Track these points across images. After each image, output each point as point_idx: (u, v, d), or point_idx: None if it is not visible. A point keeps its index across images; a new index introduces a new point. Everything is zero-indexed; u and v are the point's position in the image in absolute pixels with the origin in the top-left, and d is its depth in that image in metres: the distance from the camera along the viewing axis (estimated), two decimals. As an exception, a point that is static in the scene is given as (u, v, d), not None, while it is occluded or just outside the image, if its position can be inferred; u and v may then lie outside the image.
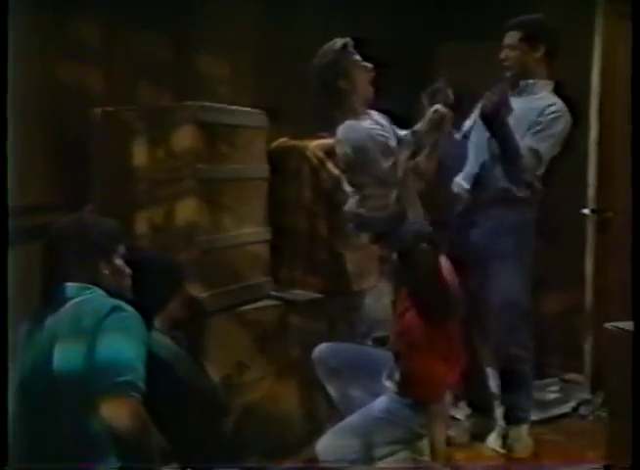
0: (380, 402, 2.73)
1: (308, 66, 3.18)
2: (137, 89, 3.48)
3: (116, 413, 1.82)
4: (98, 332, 1.92)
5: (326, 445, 2.71)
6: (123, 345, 1.92)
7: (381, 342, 3.27)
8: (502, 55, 3.26)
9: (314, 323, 3.41)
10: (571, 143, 3.34)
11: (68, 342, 1.94)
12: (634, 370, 2.22)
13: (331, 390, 2.96)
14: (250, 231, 3.30)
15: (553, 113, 3.16)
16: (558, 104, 3.19)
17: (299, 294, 3.46)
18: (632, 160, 2.46)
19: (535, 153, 3.13)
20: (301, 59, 3.29)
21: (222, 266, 3.14)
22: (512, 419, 3.37)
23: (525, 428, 3.36)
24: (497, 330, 3.26)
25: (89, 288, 2.06)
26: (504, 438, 3.38)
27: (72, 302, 2.01)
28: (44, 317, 2.03)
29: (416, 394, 2.68)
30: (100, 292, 2.07)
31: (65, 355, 1.92)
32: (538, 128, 3.15)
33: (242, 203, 3.23)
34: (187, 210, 3.00)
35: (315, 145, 3.72)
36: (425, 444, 2.82)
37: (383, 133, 3.15)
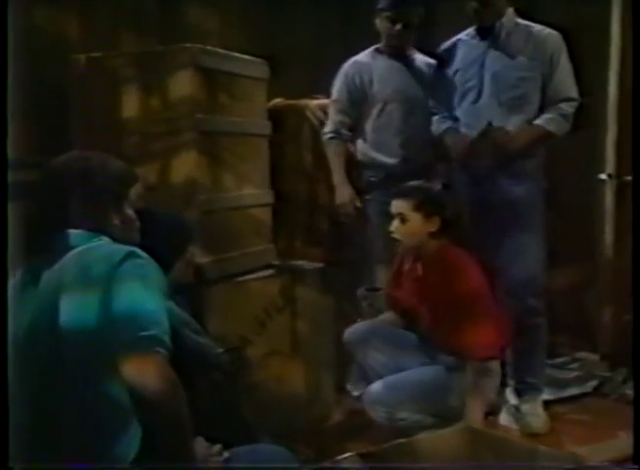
0: (428, 369, 2.71)
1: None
2: (122, 37, 3.20)
3: (142, 373, 1.56)
4: (112, 281, 1.64)
5: (377, 394, 2.65)
6: (143, 295, 1.64)
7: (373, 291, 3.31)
8: None
9: (321, 295, 3.16)
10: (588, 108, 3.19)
11: (76, 293, 1.65)
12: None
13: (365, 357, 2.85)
14: (251, 193, 3.07)
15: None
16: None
17: (305, 264, 3.22)
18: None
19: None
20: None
21: (223, 230, 2.91)
22: (525, 390, 3.17)
23: (539, 401, 3.16)
24: (515, 281, 3.05)
25: (96, 236, 1.78)
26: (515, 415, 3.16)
27: (77, 250, 1.73)
28: (41, 268, 1.74)
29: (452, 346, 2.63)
30: (108, 240, 1.79)
31: (73, 309, 1.63)
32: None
33: (243, 160, 3.00)
34: (186, 165, 2.76)
35: (315, 104, 3.53)
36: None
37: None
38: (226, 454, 1.79)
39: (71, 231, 1.76)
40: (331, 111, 3.39)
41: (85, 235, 1.75)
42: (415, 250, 2.72)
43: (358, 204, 3.33)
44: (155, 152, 2.77)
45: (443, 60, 3.22)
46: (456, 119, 3.15)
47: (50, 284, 1.69)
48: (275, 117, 3.29)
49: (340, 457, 1.72)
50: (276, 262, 3.18)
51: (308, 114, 3.49)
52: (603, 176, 3.69)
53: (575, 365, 3.76)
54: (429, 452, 1.81)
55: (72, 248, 1.73)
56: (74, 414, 1.64)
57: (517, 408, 3.13)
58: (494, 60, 3.05)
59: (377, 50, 3.40)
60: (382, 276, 3.31)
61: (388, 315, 2.99)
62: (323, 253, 3.45)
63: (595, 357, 3.88)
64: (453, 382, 2.64)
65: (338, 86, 3.38)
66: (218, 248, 2.86)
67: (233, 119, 2.92)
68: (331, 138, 3.38)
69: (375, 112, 3.33)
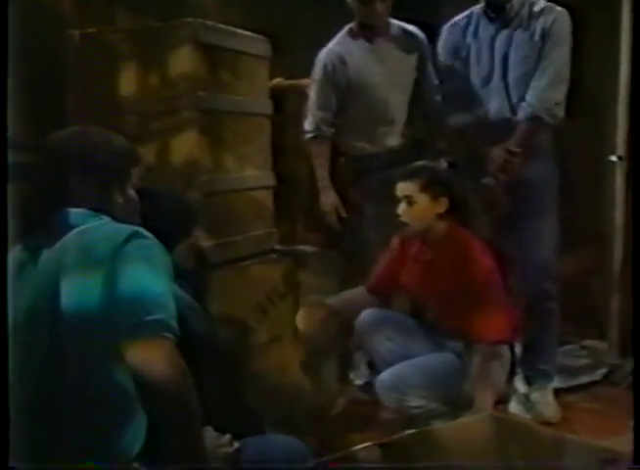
0: (438, 356, 2.66)
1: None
2: (118, 13, 3.10)
3: (148, 359, 1.48)
4: (116, 262, 1.55)
5: (389, 381, 2.59)
6: (149, 277, 1.56)
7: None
8: None
9: (324, 281, 3.08)
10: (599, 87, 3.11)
11: (77, 275, 1.56)
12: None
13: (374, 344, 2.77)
14: (253, 174, 3.00)
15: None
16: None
17: (307, 248, 3.14)
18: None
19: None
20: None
21: (225, 213, 2.84)
22: (536, 378, 3.09)
23: (550, 389, 3.09)
24: (528, 264, 2.98)
25: (97, 215, 1.69)
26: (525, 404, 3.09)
27: (78, 229, 1.64)
28: (40, 248, 1.65)
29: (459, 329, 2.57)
30: (109, 220, 1.70)
31: (74, 292, 1.55)
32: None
33: (244, 141, 2.93)
34: (186, 145, 2.68)
35: (315, 84, 3.40)
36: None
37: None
38: (237, 445, 1.71)
39: (72, 210, 1.67)
40: (310, 105, 3.23)
41: (86, 214, 1.67)
42: (422, 233, 2.64)
43: (343, 213, 3.22)
44: (154, 131, 2.68)
45: (450, 40, 3.12)
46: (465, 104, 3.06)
47: (50, 265, 1.60)
48: (276, 97, 3.20)
49: (357, 447, 1.63)
50: (278, 247, 3.11)
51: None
52: (613, 158, 3.62)
53: (584, 353, 3.70)
54: (450, 442, 1.74)
55: (73, 227, 1.64)
56: (76, 403, 1.55)
57: (526, 397, 3.07)
58: (504, 40, 2.97)
59: (350, 32, 3.21)
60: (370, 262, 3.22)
61: (357, 292, 2.88)
62: (325, 237, 3.36)
63: (603, 345, 3.82)
64: (464, 368, 2.58)
65: (315, 79, 3.21)
66: (220, 231, 2.78)
67: (235, 98, 2.84)
68: (313, 137, 3.23)
69: (357, 102, 3.20)
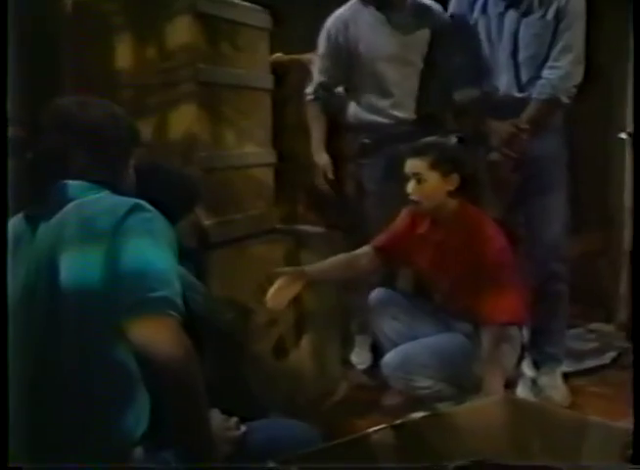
0: (447, 336, 2.63)
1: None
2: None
3: (152, 338, 1.44)
4: (117, 236, 1.50)
5: (397, 360, 2.56)
6: (152, 252, 1.51)
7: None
8: None
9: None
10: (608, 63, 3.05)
11: (77, 250, 1.51)
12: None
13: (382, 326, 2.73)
14: (253, 151, 2.93)
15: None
16: None
17: (309, 228, 3.09)
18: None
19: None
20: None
21: (224, 191, 2.77)
22: (544, 361, 3.06)
23: (559, 372, 3.06)
24: (537, 243, 2.96)
25: (96, 188, 1.63)
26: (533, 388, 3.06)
27: (77, 202, 1.58)
28: (37, 221, 1.59)
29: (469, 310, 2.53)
30: (108, 193, 1.64)
31: (74, 267, 1.50)
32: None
33: (244, 116, 2.86)
34: (185, 119, 2.60)
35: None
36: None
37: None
38: (243, 428, 1.67)
39: (70, 182, 1.61)
40: (314, 70, 3.23)
41: (85, 186, 1.61)
42: (432, 211, 2.58)
43: (331, 175, 3.19)
44: (150, 105, 2.60)
45: (457, 14, 3.06)
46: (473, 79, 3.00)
47: (47, 238, 1.55)
48: (276, 72, 3.13)
49: (371, 430, 1.59)
50: (279, 227, 3.05)
51: (312, 69, 3.32)
52: (623, 136, 3.57)
53: (592, 336, 3.66)
54: (465, 424, 1.69)
55: (71, 200, 1.59)
56: (76, 383, 1.50)
57: (534, 381, 3.03)
58: (514, 18, 2.92)
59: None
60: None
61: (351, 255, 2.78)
62: (326, 217, 3.31)
63: (610, 328, 3.80)
64: (473, 350, 2.54)
65: (320, 44, 3.19)
66: (219, 210, 2.72)
67: (235, 71, 2.77)
68: (311, 100, 3.22)
69: (363, 72, 3.15)
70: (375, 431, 1.60)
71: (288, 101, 3.26)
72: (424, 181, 2.52)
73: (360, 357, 3.38)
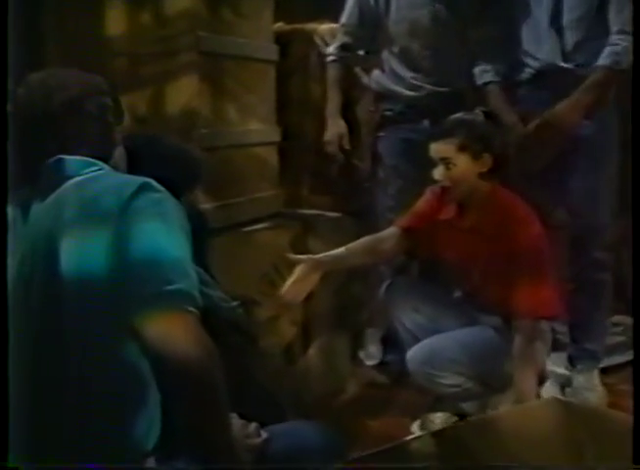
0: (475, 329, 2.50)
1: None
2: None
3: (169, 336, 1.30)
4: (125, 219, 1.36)
5: (422, 355, 2.42)
6: (166, 238, 1.37)
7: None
8: None
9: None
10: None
11: (78, 235, 1.36)
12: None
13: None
14: (256, 128, 2.83)
15: None
16: None
17: (317, 213, 2.98)
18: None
19: None
20: None
21: (227, 172, 2.67)
22: (581, 359, 2.94)
23: (596, 372, 2.94)
24: (580, 230, 2.83)
25: (95, 164, 1.50)
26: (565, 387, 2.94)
27: (75, 180, 1.45)
28: (27, 205, 1.46)
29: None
30: (109, 169, 1.52)
31: (75, 254, 1.35)
32: None
33: (248, 90, 2.76)
34: (184, 92, 2.50)
35: (324, 29, 3.23)
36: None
37: None
38: (265, 435, 1.55)
39: (65, 157, 1.47)
40: (338, 29, 3.10)
41: (83, 162, 1.48)
42: (462, 196, 2.45)
43: (347, 145, 3.03)
44: (145, 77, 2.50)
45: None
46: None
47: (43, 222, 1.41)
48: (279, 43, 3.01)
49: (408, 438, 1.47)
50: (285, 211, 2.93)
51: (317, 40, 3.19)
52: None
53: (618, 330, 3.55)
54: (511, 429, 1.58)
55: (68, 178, 1.45)
56: (80, 387, 1.36)
57: (568, 380, 2.91)
58: None
59: None
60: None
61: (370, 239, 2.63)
62: (335, 199, 3.19)
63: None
64: (504, 345, 2.40)
65: (349, 4, 3.05)
66: (220, 192, 2.60)
67: (238, 40, 2.67)
68: (331, 61, 3.08)
69: (390, 43, 3.01)
70: (413, 439, 1.48)
71: (291, 74, 3.13)
72: (453, 166, 2.39)
73: (370, 353, 3.27)
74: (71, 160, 1.47)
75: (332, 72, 3.08)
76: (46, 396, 1.38)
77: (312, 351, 2.92)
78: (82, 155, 1.48)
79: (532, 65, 2.80)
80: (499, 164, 2.40)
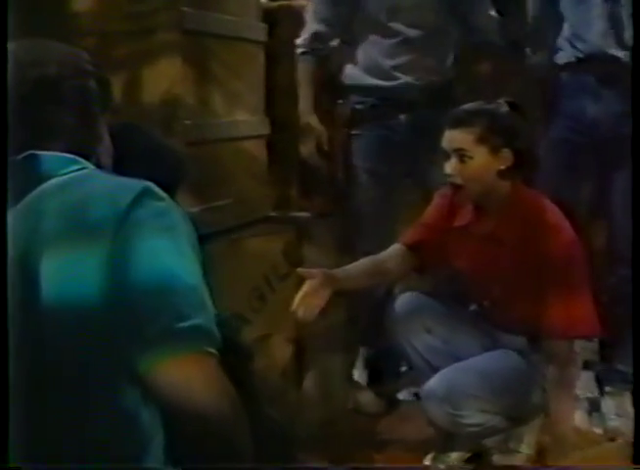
0: (498, 355, 2.32)
1: None
2: None
3: (186, 387, 1.11)
4: (124, 233, 1.15)
5: (443, 389, 2.21)
6: (176, 260, 1.17)
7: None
8: None
9: (335, 257, 2.73)
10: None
11: (63, 252, 1.15)
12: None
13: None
14: (244, 119, 2.63)
15: None
16: None
17: (312, 215, 2.81)
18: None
19: None
20: None
21: (212, 170, 2.46)
22: (610, 381, 2.80)
23: (628, 396, 2.75)
24: (615, 235, 2.71)
25: (78, 161, 1.28)
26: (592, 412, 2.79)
27: (56, 181, 1.22)
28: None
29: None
30: (94, 168, 1.31)
31: (60, 276, 1.14)
32: None
33: (235, 75, 2.57)
34: (165, 78, 2.31)
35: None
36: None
37: None
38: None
39: (41, 153, 1.26)
40: (309, 16, 2.87)
41: (60, 159, 1.27)
42: (478, 197, 2.26)
43: (325, 146, 2.85)
44: (119, 59, 2.29)
45: None
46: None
47: (17, 233, 1.17)
48: (266, 22, 2.80)
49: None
50: (275, 214, 2.76)
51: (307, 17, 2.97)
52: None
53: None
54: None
55: (45, 178, 1.23)
56: (64, 443, 1.16)
57: (595, 403, 2.76)
58: None
59: None
60: (376, 236, 2.86)
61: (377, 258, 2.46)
62: (327, 202, 2.99)
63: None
64: (530, 372, 2.25)
65: None
66: (206, 193, 2.39)
67: (224, 17, 2.46)
68: (302, 53, 2.87)
69: (366, 32, 2.82)
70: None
71: (279, 58, 2.91)
72: (468, 159, 2.20)
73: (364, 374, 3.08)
74: (47, 156, 1.26)
75: (303, 67, 2.87)
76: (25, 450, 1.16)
77: (306, 375, 2.72)
78: (59, 150, 1.27)
79: (581, 48, 2.66)
80: (521, 161, 2.21)
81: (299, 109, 2.86)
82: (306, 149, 2.86)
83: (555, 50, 2.74)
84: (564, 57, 2.71)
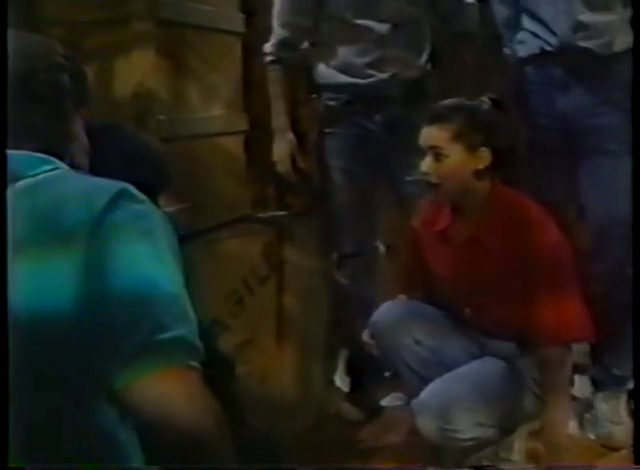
0: (488, 363, 2.26)
1: None
2: None
3: (166, 404, 1.06)
4: (99, 238, 1.09)
5: (435, 403, 2.14)
6: (156, 265, 1.12)
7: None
8: None
9: (316, 259, 2.73)
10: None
11: (34, 259, 1.09)
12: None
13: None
14: (221, 114, 2.59)
15: None
16: None
17: (292, 215, 2.78)
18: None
19: None
20: None
21: (189, 167, 2.39)
22: (606, 385, 2.75)
23: (623, 400, 2.73)
24: (611, 242, 2.63)
25: (48, 161, 1.21)
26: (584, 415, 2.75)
27: (25, 183, 1.16)
28: None
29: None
30: (67, 168, 1.25)
31: (30, 285, 1.08)
32: None
33: (212, 68, 2.53)
34: (138, 70, 2.28)
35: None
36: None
37: None
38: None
39: (10, 152, 1.19)
40: (274, 21, 2.80)
41: (31, 158, 1.21)
42: (455, 198, 2.21)
43: (301, 163, 2.81)
44: (90, 50, 2.23)
45: None
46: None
47: None
48: (242, 11, 2.75)
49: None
50: (254, 214, 2.71)
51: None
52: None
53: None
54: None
55: (11, 179, 1.16)
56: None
57: (589, 406, 2.73)
58: None
59: None
60: (354, 236, 2.82)
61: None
62: (304, 201, 2.94)
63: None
64: (519, 379, 2.20)
65: None
66: (181, 192, 2.32)
67: (201, 7, 2.42)
68: (271, 61, 2.79)
69: (334, 31, 2.75)
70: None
71: (256, 50, 2.84)
72: (444, 157, 2.14)
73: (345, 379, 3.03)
74: (16, 155, 1.19)
75: (273, 76, 2.80)
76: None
77: (287, 380, 2.68)
78: (29, 149, 1.21)
79: (549, 40, 2.59)
80: (501, 161, 2.17)
81: (272, 125, 2.80)
82: (283, 166, 2.80)
83: (516, 42, 2.70)
84: (526, 49, 2.66)
